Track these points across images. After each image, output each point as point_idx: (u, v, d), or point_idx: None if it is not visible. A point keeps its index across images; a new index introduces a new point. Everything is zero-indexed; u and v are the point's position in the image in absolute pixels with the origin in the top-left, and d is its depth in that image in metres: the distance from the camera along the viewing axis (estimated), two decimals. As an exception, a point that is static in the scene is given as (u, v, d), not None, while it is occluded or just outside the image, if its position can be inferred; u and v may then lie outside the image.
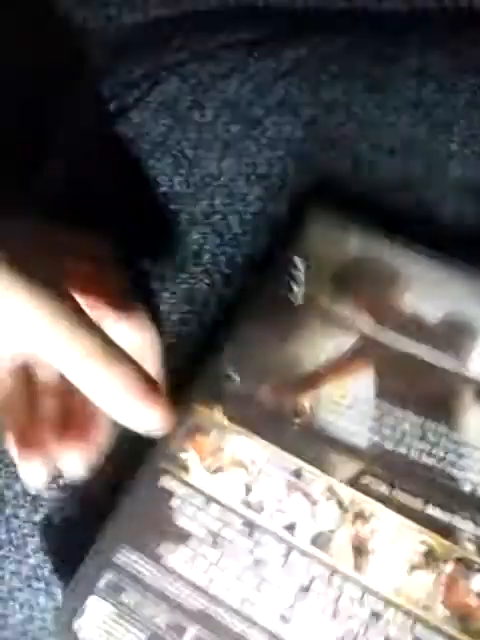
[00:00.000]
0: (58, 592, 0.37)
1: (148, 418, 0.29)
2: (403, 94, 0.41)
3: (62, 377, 0.30)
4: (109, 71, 0.42)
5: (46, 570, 0.37)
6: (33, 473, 0.33)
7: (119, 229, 0.38)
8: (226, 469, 0.33)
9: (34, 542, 0.38)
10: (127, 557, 0.33)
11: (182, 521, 0.33)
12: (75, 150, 0.41)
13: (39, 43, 0.42)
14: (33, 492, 0.36)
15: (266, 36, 0.41)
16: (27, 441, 0.33)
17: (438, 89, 0.41)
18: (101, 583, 0.33)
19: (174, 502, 0.33)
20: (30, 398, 0.34)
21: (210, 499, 0.33)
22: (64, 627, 0.33)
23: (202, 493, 0.33)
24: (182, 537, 0.33)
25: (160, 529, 0.33)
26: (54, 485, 0.36)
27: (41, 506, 0.38)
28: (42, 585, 0.37)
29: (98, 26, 0.43)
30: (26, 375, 0.35)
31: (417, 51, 0.41)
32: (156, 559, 0.32)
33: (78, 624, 0.32)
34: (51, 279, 0.28)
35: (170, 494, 0.33)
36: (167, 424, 0.30)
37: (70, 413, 0.34)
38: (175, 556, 0.32)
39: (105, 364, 0.28)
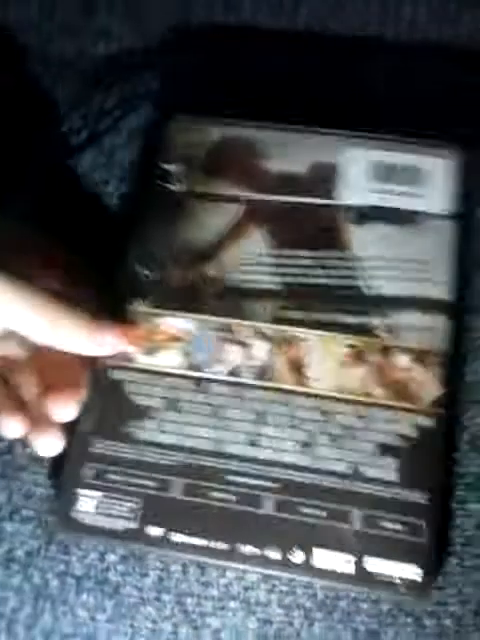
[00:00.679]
0: (20, 632, 0.35)
1: (105, 343, 0.35)
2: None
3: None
4: (83, 101, 0.45)
5: (8, 609, 0.36)
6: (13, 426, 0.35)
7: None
8: (164, 346, 0.37)
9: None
10: (101, 445, 0.35)
11: (140, 399, 0.36)
12: (49, 175, 0.44)
13: (12, 73, 0.46)
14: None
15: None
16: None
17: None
18: (86, 473, 0.34)
19: (128, 387, 0.36)
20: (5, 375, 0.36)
21: (158, 374, 0.36)
22: (62, 518, 0.34)
23: (150, 371, 0.36)
24: (145, 412, 0.35)
25: (123, 413, 0.35)
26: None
27: (3, 540, 0.37)
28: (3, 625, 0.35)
29: (72, 57, 0.46)
30: None
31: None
32: (127, 438, 0.35)
33: (75, 512, 0.34)
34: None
35: (122, 382, 0.36)
36: (125, 340, 0.36)
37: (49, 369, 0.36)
38: (144, 430, 0.35)
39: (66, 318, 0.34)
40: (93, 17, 0.48)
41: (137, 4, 0.48)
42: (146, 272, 0.39)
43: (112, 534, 0.33)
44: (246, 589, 0.35)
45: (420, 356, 0.35)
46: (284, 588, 0.34)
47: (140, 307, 0.38)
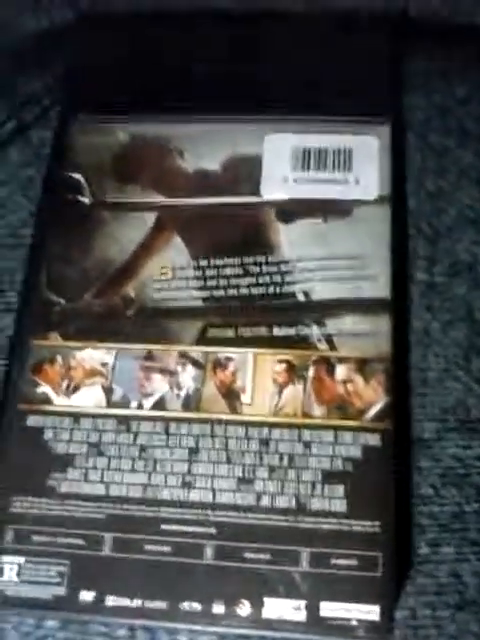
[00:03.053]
0: None
1: None
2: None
3: None
4: (7, 85, 0.40)
5: None
6: None
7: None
8: (83, 383, 0.33)
9: None
10: (21, 503, 0.32)
11: (60, 447, 0.32)
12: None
13: None
14: None
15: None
16: None
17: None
18: (8, 538, 0.31)
19: (47, 434, 0.33)
20: None
21: (78, 416, 0.33)
22: None
23: (69, 414, 0.33)
24: (67, 461, 0.32)
25: (43, 464, 0.32)
26: None
27: None
28: None
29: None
30: None
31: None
32: (50, 493, 0.32)
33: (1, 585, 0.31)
34: None
35: (40, 429, 0.33)
36: None
37: None
38: (67, 482, 0.32)
39: None
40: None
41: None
42: (59, 300, 0.35)
43: (39, 604, 0.30)
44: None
45: (361, 365, 0.32)
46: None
47: (54, 340, 0.34)
